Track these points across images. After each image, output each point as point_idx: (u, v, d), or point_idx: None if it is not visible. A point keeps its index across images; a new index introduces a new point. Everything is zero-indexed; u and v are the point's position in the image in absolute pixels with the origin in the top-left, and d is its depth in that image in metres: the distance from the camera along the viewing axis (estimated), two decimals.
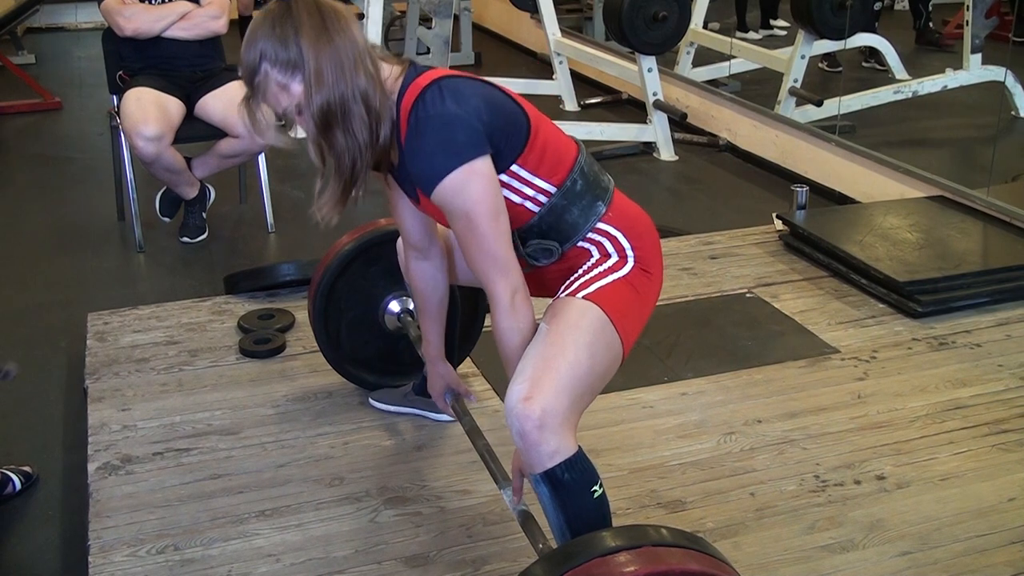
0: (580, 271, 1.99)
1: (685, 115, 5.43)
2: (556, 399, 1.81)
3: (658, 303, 2.09)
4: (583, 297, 1.93)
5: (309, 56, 1.77)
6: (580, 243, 2.00)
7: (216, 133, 4.13)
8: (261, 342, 3.15)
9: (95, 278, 3.96)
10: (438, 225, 2.18)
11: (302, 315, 3.29)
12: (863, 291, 3.53)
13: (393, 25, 7.33)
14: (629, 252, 2.00)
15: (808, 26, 5.46)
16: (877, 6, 6.64)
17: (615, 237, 2.00)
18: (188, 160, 4.18)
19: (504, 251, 1.87)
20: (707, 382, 2.96)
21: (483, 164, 1.84)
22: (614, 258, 1.99)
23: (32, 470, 2.65)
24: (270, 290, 3.52)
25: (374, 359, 2.85)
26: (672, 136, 5.48)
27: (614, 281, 1.96)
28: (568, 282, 1.99)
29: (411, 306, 2.73)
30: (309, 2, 1.80)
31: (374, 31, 5.67)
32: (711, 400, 2.87)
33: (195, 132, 4.14)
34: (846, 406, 2.83)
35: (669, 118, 5.45)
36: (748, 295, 3.54)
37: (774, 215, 4.12)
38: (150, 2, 4.12)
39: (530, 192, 1.95)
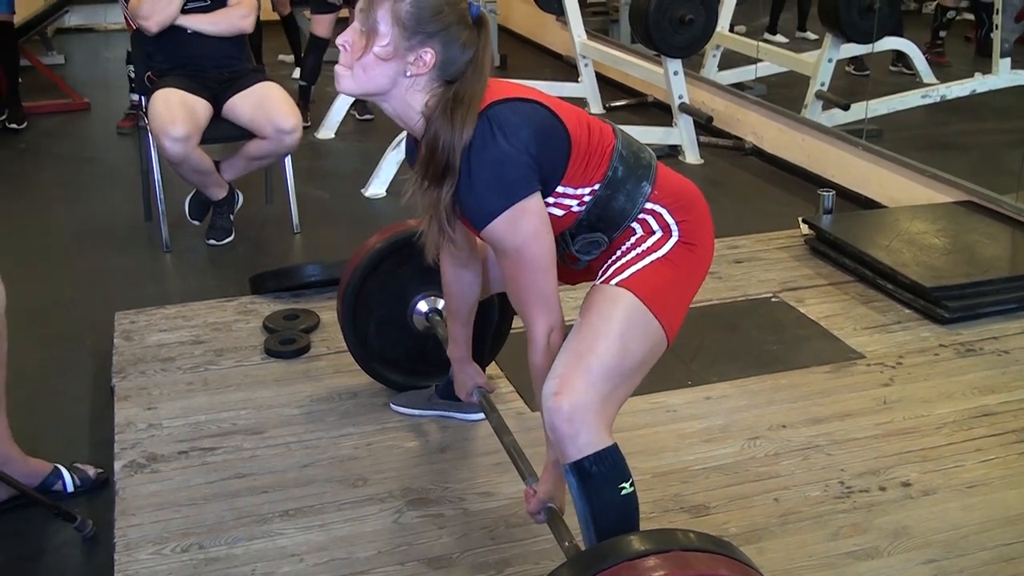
0: (618, 252, 1.98)
1: (711, 118, 5.41)
2: (586, 393, 1.82)
3: None
4: (617, 284, 1.92)
5: None
6: (627, 226, 1.98)
7: (243, 134, 4.15)
8: (286, 342, 3.16)
9: (122, 277, 3.99)
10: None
11: (327, 316, 3.31)
12: (889, 296, 3.51)
13: None
14: (673, 227, 1.97)
15: (835, 30, 5.44)
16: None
17: (660, 214, 1.98)
18: (216, 163, 4.20)
19: (549, 287, 1.89)
20: (731, 386, 2.95)
21: (534, 202, 1.85)
22: (657, 234, 1.97)
23: (96, 474, 2.63)
24: (295, 291, 3.53)
25: (402, 358, 2.86)
26: (697, 139, 5.47)
27: (651, 263, 1.95)
28: (605, 266, 1.98)
29: (439, 306, 2.74)
30: None
31: None
32: (735, 404, 2.86)
33: (222, 133, 4.16)
34: (872, 412, 2.82)
35: (695, 121, 5.43)
36: (773, 299, 3.53)
37: (800, 219, 4.10)
38: None
39: (575, 201, 1.95)
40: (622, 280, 1.93)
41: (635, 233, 1.98)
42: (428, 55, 1.81)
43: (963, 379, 2.99)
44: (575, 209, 1.95)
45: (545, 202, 1.91)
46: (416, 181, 1.90)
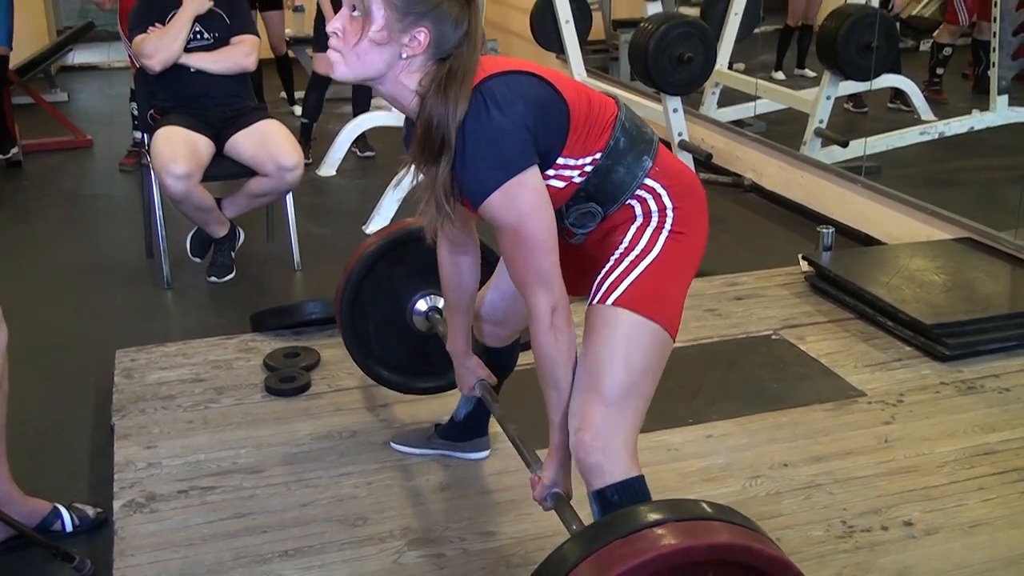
0: (612, 260, 1.96)
1: (710, 155, 5.43)
2: (605, 424, 1.86)
3: (683, 344, 2.08)
4: (613, 303, 1.91)
5: None
6: (624, 202, 1.97)
7: (245, 171, 4.17)
8: (286, 380, 3.16)
9: (123, 315, 4.00)
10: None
11: (328, 353, 3.31)
12: (890, 333, 3.51)
13: None
14: (669, 212, 1.96)
15: (834, 67, 5.47)
16: None
17: (659, 195, 1.97)
18: (218, 201, 4.22)
19: (550, 264, 1.85)
20: (733, 424, 2.94)
21: (532, 176, 1.83)
22: (652, 225, 1.96)
23: (95, 513, 2.62)
24: (296, 328, 3.53)
25: (405, 361, 2.83)
26: (697, 176, 5.47)
27: (645, 269, 1.93)
28: (600, 278, 1.95)
29: (439, 304, 2.71)
30: None
31: None
32: (736, 443, 2.85)
33: (224, 170, 4.18)
34: (873, 450, 2.81)
35: (695, 158, 5.44)
36: (774, 337, 3.53)
37: (800, 256, 4.11)
38: (161, 24, 4.13)
39: (576, 172, 1.93)
40: (618, 298, 1.91)
41: (633, 215, 1.97)
42: (422, 35, 1.81)
43: (964, 417, 2.99)
44: (576, 180, 1.93)
45: (546, 174, 1.89)
46: (413, 160, 1.89)
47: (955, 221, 4.27)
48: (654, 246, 1.95)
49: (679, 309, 1.99)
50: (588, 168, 1.93)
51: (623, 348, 1.89)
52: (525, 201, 1.82)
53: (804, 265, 4.05)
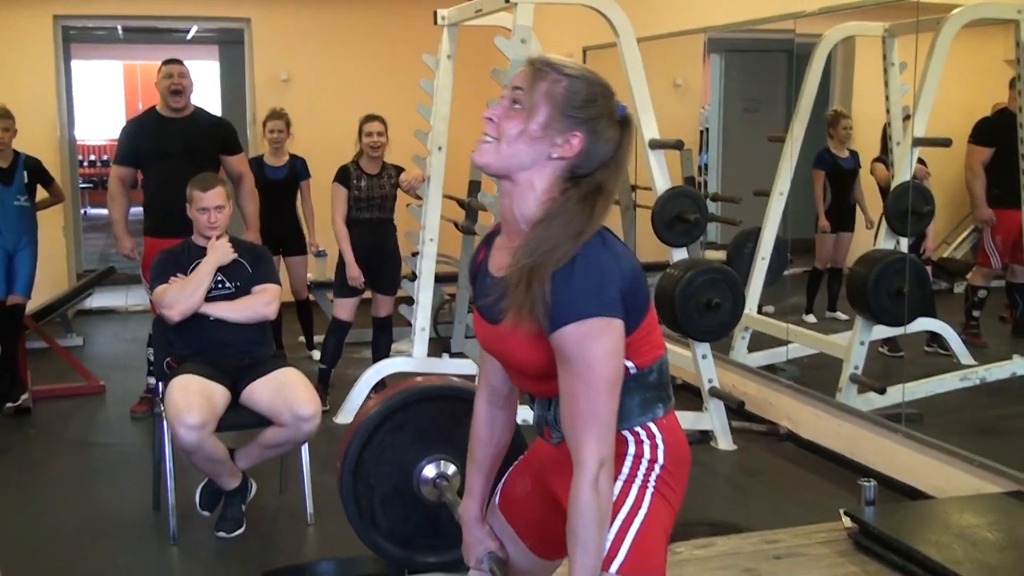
0: None
1: (742, 403, 5.31)
2: None
3: None
4: (617, 572, 1.88)
5: None
6: (623, 431, 1.94)
7: (261, 421, 4.06)
8: None
9: (127, 573, 3.80)
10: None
11: None
12: None
13: (442, 308, 7.38)
14: (657, 467, 1.96)
15: (865, 313, 5.38)
16: None
17: (656, 444, 1.97)
18: (231, 451, 4.10)
19: (609, 414, 1.83)
20: None
21: (619, 325, 1.83)
22: (639, 477, 1.95)
23: None
24: None
25: (415, 535, 2.64)
26: (730, 424, 5.33)
27: (639, 529, 1.91)
28: None
29: (448, 471, 2.55)
30: None
31: (423, 316, 5.71)
32: None
33: (240, 420, 4.07)
34: None
35: (726, 406, 5.31)
36: None
37: (841, 511, 3.88)
38: (184, 274, 4.17)
39: None
40: (621, 566, 1.88)
41: (624, 452, 1.95)
42: (576, 139, 1.85)
43: None
44: None
45: None
46: (527, 245, 1.83)
47: (1005, 473, 4.09)
48: (642, 503, 1.94)
49: (665, 565, 1.98)
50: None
51: None
52: (606, 342, 1.80)
53: (846, 521, 3.82)
